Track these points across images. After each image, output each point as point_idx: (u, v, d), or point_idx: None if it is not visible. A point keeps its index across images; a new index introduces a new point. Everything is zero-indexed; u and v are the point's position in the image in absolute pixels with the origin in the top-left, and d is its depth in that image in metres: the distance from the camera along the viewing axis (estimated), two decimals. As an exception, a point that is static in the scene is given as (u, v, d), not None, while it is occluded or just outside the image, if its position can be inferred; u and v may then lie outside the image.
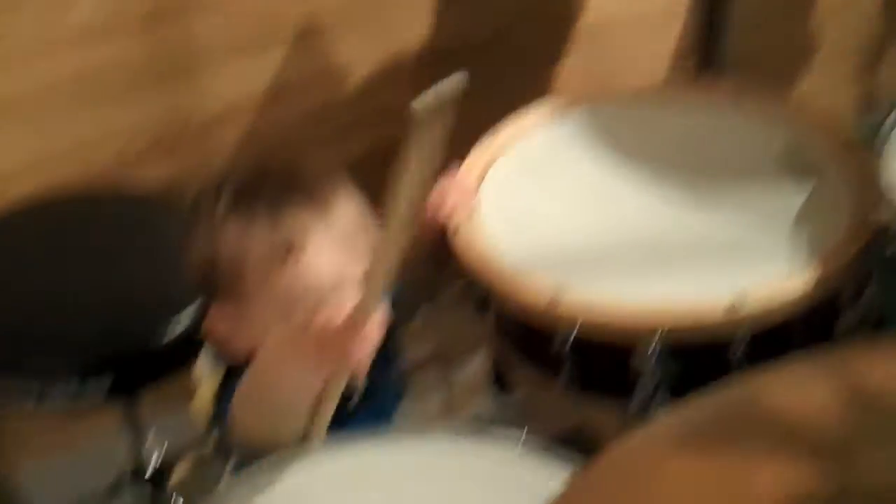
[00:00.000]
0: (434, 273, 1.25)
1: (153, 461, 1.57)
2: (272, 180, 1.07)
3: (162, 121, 1.67)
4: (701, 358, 1.06)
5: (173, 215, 1.43)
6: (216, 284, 1.07)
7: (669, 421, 0.77)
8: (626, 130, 1.29)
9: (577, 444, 0.97)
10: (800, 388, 0.75)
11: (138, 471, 1.60)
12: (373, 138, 1.76)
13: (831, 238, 1.10)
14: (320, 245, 1.04)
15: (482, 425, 1.04)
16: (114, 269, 1.39)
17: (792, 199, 1.16)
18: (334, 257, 1.04)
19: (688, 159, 1.24)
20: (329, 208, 1.06)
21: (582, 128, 1.30)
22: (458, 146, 1.27)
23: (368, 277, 0.95)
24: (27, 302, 1.37)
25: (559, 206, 1.21)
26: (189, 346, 1.33)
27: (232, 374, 1.08)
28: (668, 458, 0.70)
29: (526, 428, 1.01)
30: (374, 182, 1.73)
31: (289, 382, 0.97)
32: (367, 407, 1.15)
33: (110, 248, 1.42)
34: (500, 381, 1.23)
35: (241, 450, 1.05)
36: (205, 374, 1.13)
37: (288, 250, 1.03)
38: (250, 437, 1.02)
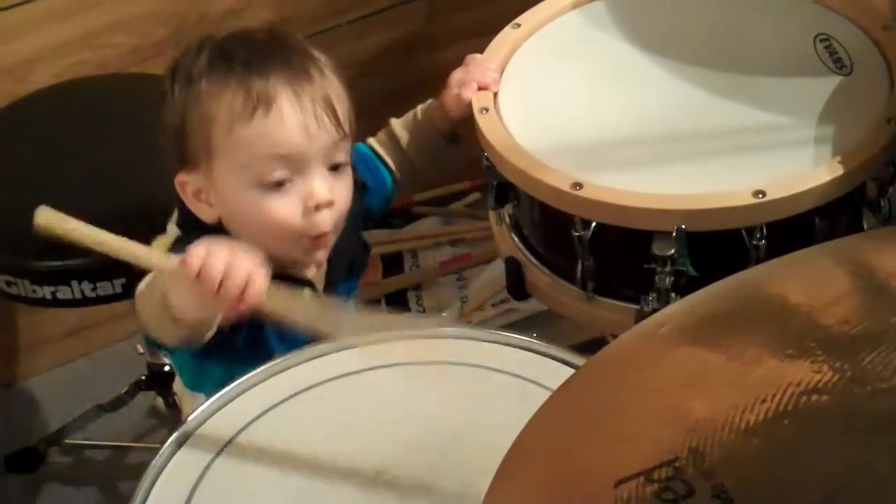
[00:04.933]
0: (447, 149, 1.24)
1: (167, 368, 1.58)
2: (252, 44, 1.05)
3: (178, 13, 1.65)
4: (722, 247, 1.04)
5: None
6: (187, 147, 1.06)
7: (677, 310, 0.76)
8: (653, 16, 1.27)
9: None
10: (812, 279, 0.74)
11: (151, 377, 1.61)
12: (389, 35, 1.74)
13: (860, 130, 1.07)
14: (289, 108, 1.03)
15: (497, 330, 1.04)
16: (130, 162, 1.38)
17: (822, 89, 1.13)
18: (302, 123, 1.03)
19: (716, 46, 1.21)
20: (305, 76, 1.04)
21: (607, 14, 1.27)
22: (483, 34, 1.26)
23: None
24: (40, 199, 1.36)
25: (583, 93, 1.18)
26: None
27: (184, 239, 1.08)
28: (674, 345, 0.70)
29: (536, 334, 1.01)
30: (387, 79, 1.73)
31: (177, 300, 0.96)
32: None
33: (128, 141, 1.41)
34: (515, 288, 1.21)
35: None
36: (170, 230, 1.13)
37: (255, 106, 1.02)
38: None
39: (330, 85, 1.06)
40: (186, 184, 1.08)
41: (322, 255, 1.10)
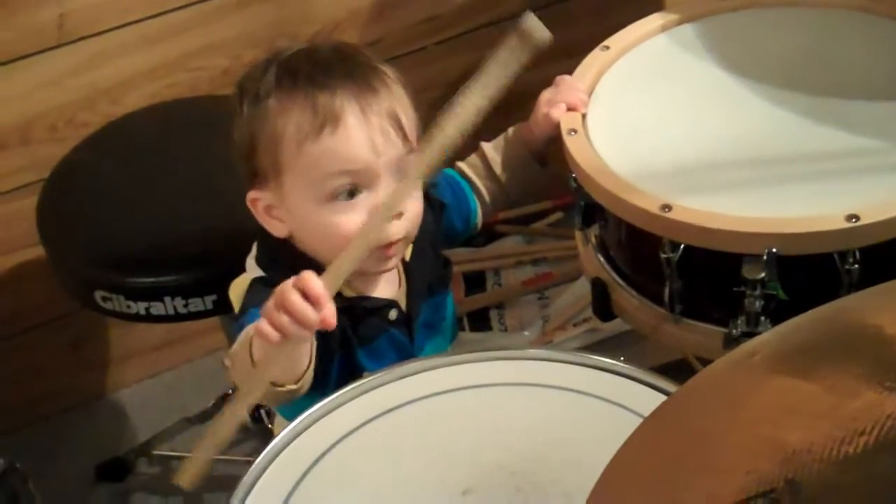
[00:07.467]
0: (537, 171, 1.24)
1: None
2: (317, 60, 1.07)
3: (268, 35, 1.68)
4: (813, 271, 1.03)
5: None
6: (256, 164, 1.08)
7: (771, 339, 0.75)
8: (742, 39, 1.26)
9: (679, 377, 0.95)
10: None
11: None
12: (477, 55, 1.75)
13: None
14: (356, 124, 1.04)
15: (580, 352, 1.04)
16: (221, 182, 1.40)
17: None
18: (369, 139, 1.04)
19: (807, 69, 1.20)
20: (370, 89, 1.05)
21: (696, 37, 1.27)
22: (571, 55, 1.26)
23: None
24: (135, 217, 1.40)
25: (672, 116, 1.18)
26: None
27: (267, 280, 1.08)
28: (767, 375, 0.69)
29: (623, 358, 1.01)
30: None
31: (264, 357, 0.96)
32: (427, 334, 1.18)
33: (219, 162, 1.43)
34: (601, 309, 1.21)
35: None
36: (249, 266, 1.14)
37: (322, 123, 1.03)
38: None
39: (395, 97, 1.07)
40: (258, 200, 1.10)
41: (393, 263, 1.11)
